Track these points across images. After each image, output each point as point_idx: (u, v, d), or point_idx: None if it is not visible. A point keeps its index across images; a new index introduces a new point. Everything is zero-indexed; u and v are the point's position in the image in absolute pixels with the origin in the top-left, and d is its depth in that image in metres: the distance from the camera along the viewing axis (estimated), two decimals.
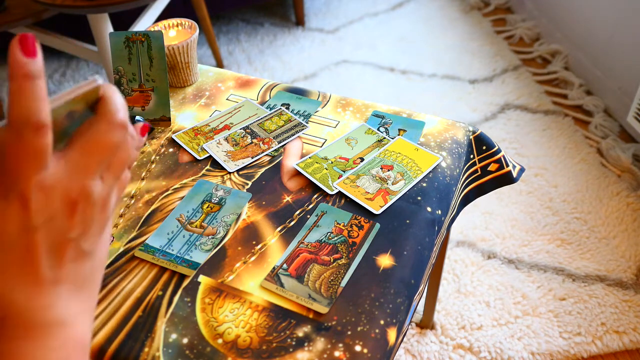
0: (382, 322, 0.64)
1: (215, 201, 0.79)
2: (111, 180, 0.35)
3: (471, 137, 0.90)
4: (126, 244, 0.74)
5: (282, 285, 0.67)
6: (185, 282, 0.68)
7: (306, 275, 0.68)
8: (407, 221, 0.75)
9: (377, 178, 0.81)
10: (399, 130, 0.90)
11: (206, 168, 0.85)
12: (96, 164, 0.33)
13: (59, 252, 0.33)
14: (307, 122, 0.92)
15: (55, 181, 0.31)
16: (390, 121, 0.92)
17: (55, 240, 0.32)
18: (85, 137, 0.33)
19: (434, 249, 0.77)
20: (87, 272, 0.35)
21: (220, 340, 0.62)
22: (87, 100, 0.33)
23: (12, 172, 0.30)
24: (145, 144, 0.89)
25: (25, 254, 0.31)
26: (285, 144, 0.88)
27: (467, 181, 0.89)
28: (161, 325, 0.64)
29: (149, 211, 0.78)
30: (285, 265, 0.70)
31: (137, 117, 0.90)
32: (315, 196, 0.79)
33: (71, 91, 0.32)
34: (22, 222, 0.31)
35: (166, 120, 0.93)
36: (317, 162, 0.84)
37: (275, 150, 0.87)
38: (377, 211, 0.76)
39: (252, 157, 0.86)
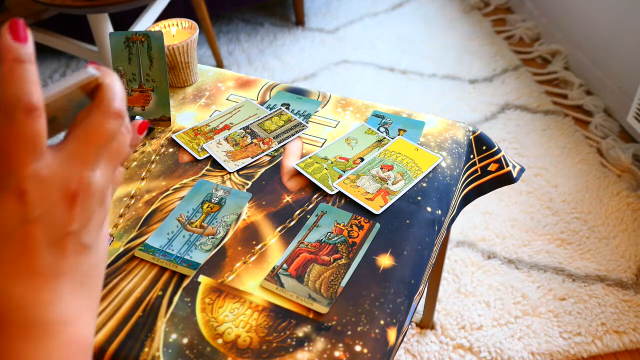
0: (382, 322, 0.64)
1: (215, 201, 0.79)
2: (109, 172, 0.34)
3: (471, 137, 0.90)
4: (126, 244, 0.74)
5: (282, 285, 0.67)
6: (185, 282, 0.68)
7: (306, 275, 0.68)
8: (407, 221, 0.75)
9: (377, 178, 0.81)
10: (399, 130, 0.90)
11: (206, 168, 0.85)
12: (94, 154, 0.32)
13: (59, 246, 0.32)
14: (307, 122, 0.92)
15: (52, 172, 0.30)
16: (390, 121, 0.92)
17: (55, 233, 0.31)
18: (81, 126, 0.32)
19: (434, 249, 0.77)
20: (88, 267, 0.34)
21: (220, 340, 0.62)
22: (85, 90, 0.32)
23: (6, 161, 0.29)
24: (145, 144, 0.89)
25: (24, 247, 0.30)
26: (285, 144, 0.88)
27: (467, 181, 0.89)
28: (161, 325, 0.64)
29: (149, 211, 0.78)
30: (285, 265, 0.70)
31: (137, 118, 0.90)
32: (315, 196, 0.79)
33: (67, 81, 0.31)
34: (19, 214, 0.30)
35: (166, 120, 0.93)
36: (317, 162, 0.84)
37: (275, 150, 0.87)
38: (377, 211, 0.76)
39: (252, 157, 0.86)
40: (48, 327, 0.32)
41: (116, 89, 0.33)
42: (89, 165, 0.32)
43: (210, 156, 0.86)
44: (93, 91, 0.33)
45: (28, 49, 0.29)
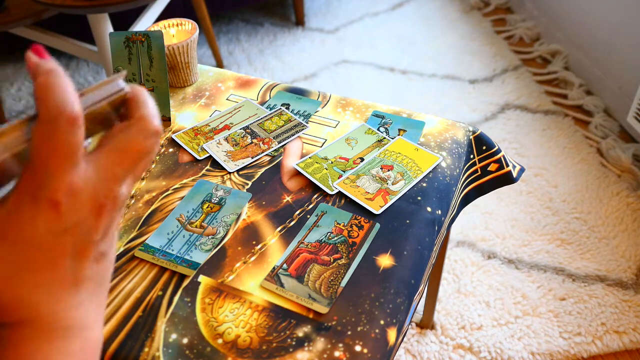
0: (382, 322, 0.64)
1: (215, 201, 0.79)
2: (132, 183, 0.34)
3: (471, 137, 0.90)
4: (126, 244, 0.74)
5: (282, 285, 0.67)
6: (185, 282, 0.68)
7: (306, 275, 0.68)
8: (407, 221, 0.75)
9: (377, 178, 0.81)
10: (399, 130, 0.90)
11: (206, 168, 0.85)
12: (126, 170, 0.32)
13: (83, 255, 0.32)
14: (307, 122, 0.92)
15: (85, 183, 0.30)
16: (390, 121, 0.92)
17: (81, 243, 0.32)
18: (119, 142, 0.32)
19: (434, 249, 0.77)
20: (103, 274, 0.35)
21: (220, 340, 0.62)
22: (112, 104, 0.32)
23: (42, 171, 0.29)
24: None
25: (53, 257, 0.31)
26: (285, 144, 0.88)
27: (467, 181, 0.89)
28: (161, 325, 0.64)
29: (149, 211, 0.78)
30: (285, 265, 0.70)
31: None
32: (315, 196, 0.79)
33: (96, 94, 0.31)
34: (52, 225, 0.30)
35: (166, 120, 0.93)
36: (317, 162, 0.84)
37: (275, 150, 0.87)
38: (377, 211, 0.76)
39: (252, 157, 0.86)
40: (69, 331, 0.33)
41: (152, 105, 0.33)
42: (119, 179, 0.32)
43: (210, 156, 0.86)
44: (119, 105, 0.32)
45: (55, 64, 0.29)
